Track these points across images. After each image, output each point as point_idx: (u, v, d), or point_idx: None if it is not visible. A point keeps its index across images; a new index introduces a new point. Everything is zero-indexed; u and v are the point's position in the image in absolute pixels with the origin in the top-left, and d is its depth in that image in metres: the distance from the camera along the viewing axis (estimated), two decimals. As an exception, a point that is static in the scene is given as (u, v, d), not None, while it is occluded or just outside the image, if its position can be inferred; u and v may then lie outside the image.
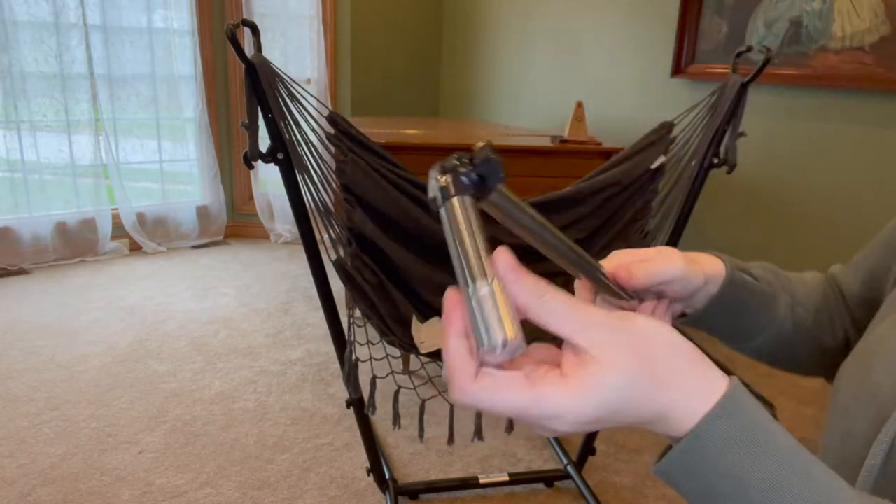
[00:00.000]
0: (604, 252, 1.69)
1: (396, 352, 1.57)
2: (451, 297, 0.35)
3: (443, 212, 0.35)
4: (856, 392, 0.52)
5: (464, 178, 0.36)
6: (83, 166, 3.50)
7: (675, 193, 1.54)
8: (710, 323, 0.63)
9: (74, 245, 3.53)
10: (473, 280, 0.33)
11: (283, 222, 4.05)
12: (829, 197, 2.53)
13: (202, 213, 3.94)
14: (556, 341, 0.37)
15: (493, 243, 0.34)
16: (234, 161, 4.04)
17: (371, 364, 1.47)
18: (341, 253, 1.46)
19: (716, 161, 1.50)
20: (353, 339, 1.50)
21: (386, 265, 1.51)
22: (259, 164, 1.32)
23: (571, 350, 0.35)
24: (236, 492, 1.76)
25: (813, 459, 0.36)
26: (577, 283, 0.52)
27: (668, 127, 1.59)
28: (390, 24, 3.94)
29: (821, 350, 0.66)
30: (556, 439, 2.04)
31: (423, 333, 1.50)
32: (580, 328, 0.34)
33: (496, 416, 2.00)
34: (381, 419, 2.11)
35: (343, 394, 2.24)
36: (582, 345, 0.34)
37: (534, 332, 0.35)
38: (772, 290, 0.64)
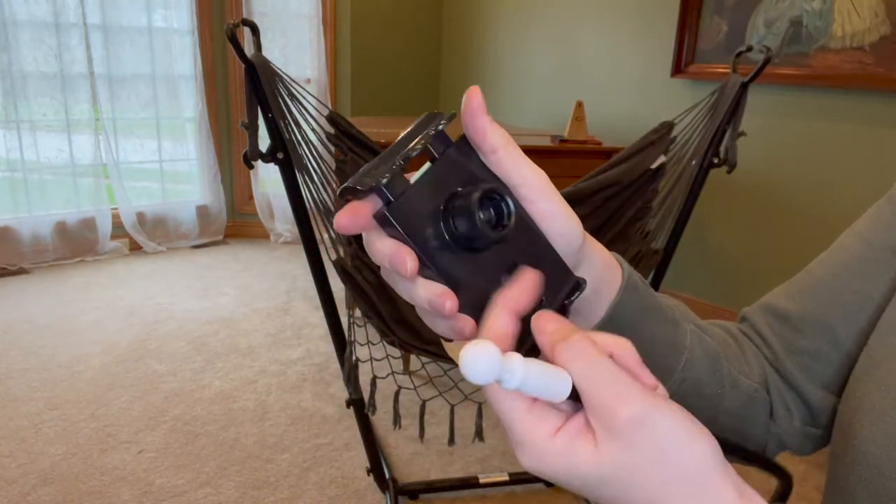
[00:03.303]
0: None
1: (396, 352, 1.57)
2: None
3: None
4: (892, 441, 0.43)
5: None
6: (83, 166, 3.50)
7: (675, 193, 1.54)
8: None
9: (74, 245, 3.53)
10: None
11: (283, 222, 4.05)
12: (829, 197, 2.53)
13: (202, 212, 3.94)
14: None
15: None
16: (234, 161, 4.04)
17: (371, 364, 1.47)
18: (341, 253, 1.45)
19: (716, 161, 1.50)
20: (353, 339, 1.50)
21: (386, 265, 1.51)
22: (259, 163, 1.32)
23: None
24: (236, 491, 1.76)
25: None
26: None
27: (668, 127, 1.59)
28: (390, 24, 3.94)
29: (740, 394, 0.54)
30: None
31: (460, 350, 1.50)
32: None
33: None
34: (381, 419, 2.11)
35: (343, 394, 2.24)
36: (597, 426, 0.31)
37: None
38: (673, 314, 0.50)
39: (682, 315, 0.52)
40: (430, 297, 0.33)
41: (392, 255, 0.33)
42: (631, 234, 1.61)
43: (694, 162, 1.51)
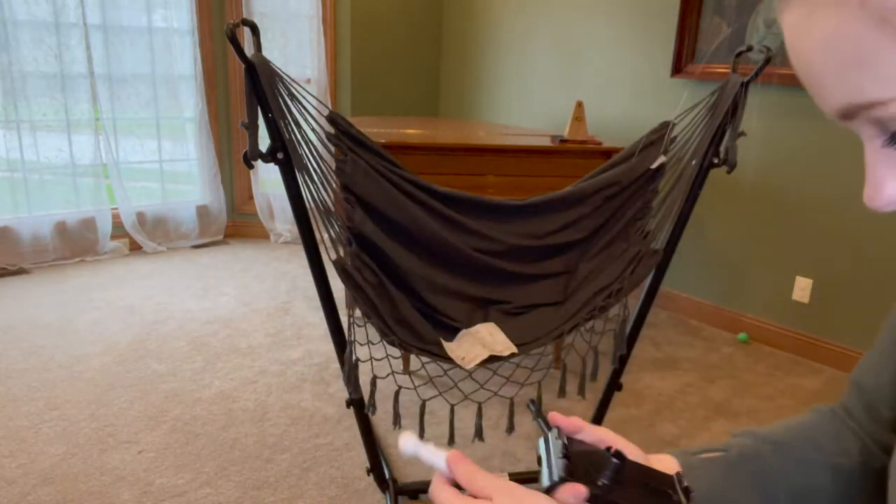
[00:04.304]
0: (604, 252, 1.68)
1: (396, 352, 1.57)
2: None
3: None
4: None
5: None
6: (83, 166, 3.50)
7: (675, 193, 1.54)
8: None
9: (74, 245, 3.53)
10: None
11: (283, 222, 4.05)
12: (828, 196, 2.53)
13: (202, 212, 3.94)
14: None
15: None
16: (234, 161, 4.04)
17: (371, 364, 1.47)
18: (341, 253, 1.45)
19: (716, 161, 1.50)
20: (353, 339, 1.50)
21: (386, 265, 1.51)
22: (259, 163, 1.32)
23: None
24: (236, 492, 1.76)
25: None
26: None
27: (668, 127, 1.59)
28: (390, 24, 3.94)
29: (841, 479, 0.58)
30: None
31: (460, 350, 1.50)
32: None
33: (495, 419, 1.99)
34: (381, 419, 2.11)
35: (343, 394, 2.24)
36: None
37: None
38: (751, 450, 0.57)
39: (754, 448, 0.58)
40: None
41: None
42: (631, 234, 1.61)
43: (694, 162, 1.51)
